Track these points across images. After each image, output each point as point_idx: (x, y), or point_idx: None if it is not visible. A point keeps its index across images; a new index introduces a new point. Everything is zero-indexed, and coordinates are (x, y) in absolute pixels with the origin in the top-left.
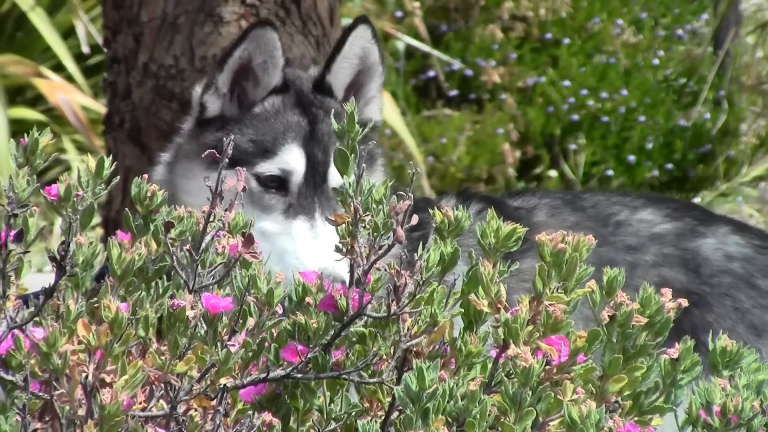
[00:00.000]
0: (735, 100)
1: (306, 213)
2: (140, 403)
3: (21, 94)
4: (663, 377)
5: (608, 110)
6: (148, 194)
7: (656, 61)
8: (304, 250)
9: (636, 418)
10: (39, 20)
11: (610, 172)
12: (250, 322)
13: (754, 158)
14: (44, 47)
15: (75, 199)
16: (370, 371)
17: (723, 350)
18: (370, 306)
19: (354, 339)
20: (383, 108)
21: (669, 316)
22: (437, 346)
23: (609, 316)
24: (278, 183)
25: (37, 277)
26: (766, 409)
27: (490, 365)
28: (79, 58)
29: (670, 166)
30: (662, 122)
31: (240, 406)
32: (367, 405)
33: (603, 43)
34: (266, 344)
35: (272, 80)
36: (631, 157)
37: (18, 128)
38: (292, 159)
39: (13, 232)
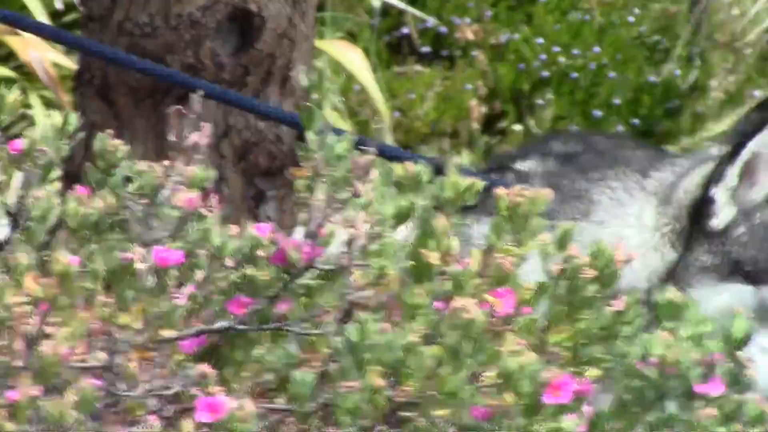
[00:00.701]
0: (707, 57)
1: None
2: (79, 355)
3: None
4: (604, 329)
5: (579, 67)
6: (110, 149)
7: (632, 19)
8: None
9: (573, 369)
10: None
11: (575, 127)
12: (199, 275)
13: (721, 114)
14: (20, 5)
15: (36, 153)
16: (312, 324)
17: (669, 302)
18: (320, 259)
19: (301, 291)
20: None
21: (617, 268)
22: (384, 299)
23: (558, 269)
24: None
25: None
26: (705, 360)
27: (433, 317)
28: (54, 15)
29: (636, 121)
30: (632, 78)
31: (180, 357)
32: (306, 356)
33: (579, 0)
34: (212, 297)
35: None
36: (598, 113)
37: None
38: None
39: None
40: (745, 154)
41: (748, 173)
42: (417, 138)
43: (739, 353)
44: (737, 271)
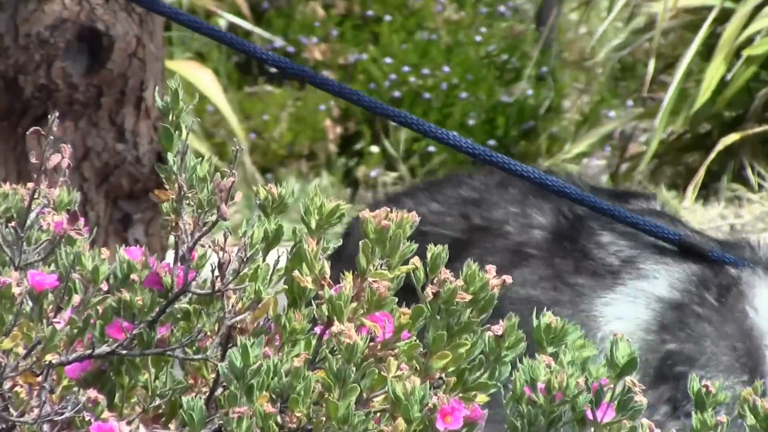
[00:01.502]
0: (558, 77)
1: None
2: None
3: None
4: (487, 354)
5: (430, 87)
6: None
7: (479, 38)
8: None
9: (460, 395)
10: None
11: (432, 149)
12: (76, 299)
13: (577, 135)
14: None
15: None
16: (194, 348)
17: (547, 326)
18: (195, 283)
19: (179, 316)
20: (207, 84)
21: (493, 293)
22: (262, 323)
23: (433, 293)
24: None
25: None
26: (591, 386)
27: (314, 342)
28: None
29: (492, 142)
30: (485, 98)
31: (66, 382)
32: (192, 381)
33: (425, 19)
34: (92, 321)
35: None
36: (454, 135)
37: None
38: None
39: None
40: None
41: None
42: (275, 160)
43: (627, 378)
44: None
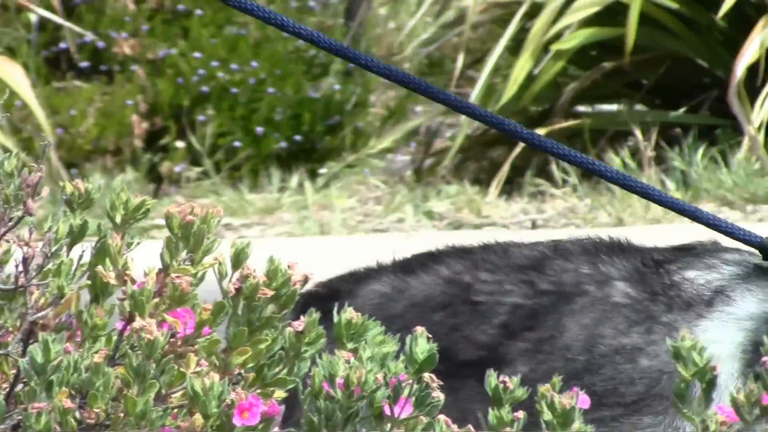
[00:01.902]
0: (366, 72)
1: None
2: None
3: None
4: (287, 350)
5: (238, 82)
6: None
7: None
8: None
9: (259, 391)
10: None
11: (238, 144)
12: None
13: (382, 130)
14: None
15: None
16: None
17: (348, 322)
18: None
19: None
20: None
21: (296, 288)
22: (64, 319)
23: (235, 288)
24: None
25: None
26: (390, 382)
27: (115, 338)
28: None
29: (298, 137)
30: (292, 94)
31: None
32: None
33: (234, 14)
34: None
35: None
36: (260, 129)
37: None
38: None
39: None
40: None
41: None
42: (81, 155)
43: (426, 374)
44: None
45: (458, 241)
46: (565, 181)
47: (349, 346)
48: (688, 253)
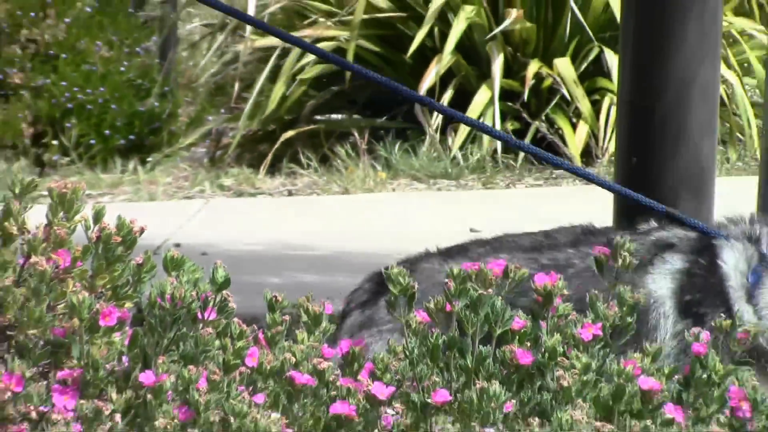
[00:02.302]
0: (175, 94)
1: None
2: None
3: None
4: (132, 276)
5: (91, 101)
6: None
7: (123, 68)
8: None
9: (115, 303)
10: None
11: (93, 141)
12: None
13: (187, 131)
14: None
15: None
16: None
17: (171, 258)
18: None
19: None
20: None
21: (135, 236)
22: None
23: (96, 236)
24: None
25: None
26: (200, 297)
27: (19, 269)
28: None
29: (132, 137)
30: (127, 108)
31: None
32: None
33: (88, 56)
34: None
35: None
36: (107, 132)
37: None
38: None
39: None
40: None
41: None
42: None
43: (224, 291)
44: None
45: (240, 204)
46: (308, 165)
47: (174, 273)
48: (636, 232)
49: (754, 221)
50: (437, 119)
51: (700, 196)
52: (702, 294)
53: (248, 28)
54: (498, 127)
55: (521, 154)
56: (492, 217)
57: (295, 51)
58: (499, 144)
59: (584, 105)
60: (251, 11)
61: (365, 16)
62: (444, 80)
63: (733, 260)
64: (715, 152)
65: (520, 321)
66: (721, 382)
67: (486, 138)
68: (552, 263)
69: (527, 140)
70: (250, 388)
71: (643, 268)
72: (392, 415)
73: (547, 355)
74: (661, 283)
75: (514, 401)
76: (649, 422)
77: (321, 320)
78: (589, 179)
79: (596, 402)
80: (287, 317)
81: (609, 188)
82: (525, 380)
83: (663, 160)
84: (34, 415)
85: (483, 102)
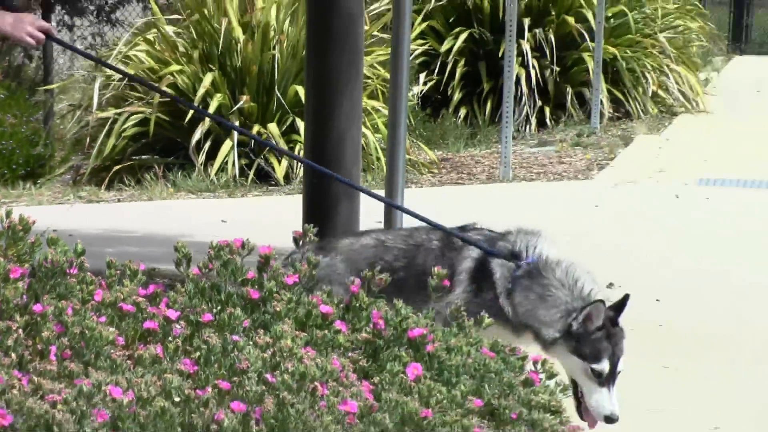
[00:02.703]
0: (53, 145)
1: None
2: None
3: None
4: (28, 249)
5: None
6: None
7: (23, 129)
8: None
9: (18, 264)
10: None
11: (6, 171)
12: None
13: (60, 166)
14: None
15: None
16: None
17: (51, 238)
18: None
19: None
20: None
21: (30, 225)
22: None
23: (6, 225)
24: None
25: None
26: (69, 260)
27: None
28: None
29: (29, 169)
30: (26, 153)
31: None
32: None
33: (2, 123)
34: None
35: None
36: (14, 166)
37: None
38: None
39: None
40: None
41: None
42: None
43: (81, 257)
44: None
45: (90, 207)
46: (129, 185)
47: (52, 247)
48: (463, 228)
49: (515, 235)
50: (202, 157)
51: (355, 204)
52: (478, 274)
53: (95, 105)
54: (236, 162)
55: (250, 177)
56: (235, 215)
57: (122, 118)
58: (237, 171)
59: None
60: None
61: (160, 100)
62: (207, 134)
63: (498, 268)
64: (359, 177)
65: (252, 273)
66: (367, 308)
67: (230, 167)
68: (415, 243)
69: (253, 170)
70: (97, 314)
71: (463, 252)
72: (179, 328)
73: (267, 292)
74: (465, 263)
75: (249, 320)
76: (327, 332)
77: (137, 273)
78: (355, 187)
79: (296, 320)
80: (118, 272)
81: (373, 196)
82: (255, 307)
83: (330, 181)
84: None
85: (227, 148)
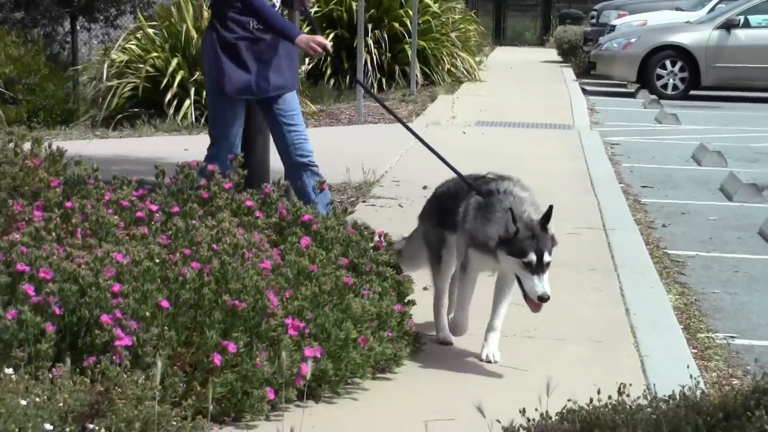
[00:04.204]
0: (78, 102)
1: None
2: None
3: None
4: (61, 167)
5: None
6: None
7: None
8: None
9: (55, 177)
10: None
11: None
12: None
13: (83, 116)
14: None
15: None
16: None
17: (77, 161)
18: None
19: None
20: None
21: (64, 152)
22: None
23: (47, 154)
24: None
25: None
26: (90, 175)
27: None
28: None
29: (64, 118)
30: (61, 109)
31: None
32: None
33: None
34: None
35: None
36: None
37: None
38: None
39: None
40: None
41: None
42: None
43: (96, 173)
44: None
45: (103, 142)
46: (125, 128)
47: (77, 167)
48: (481, 177)
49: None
50: (172, 110)
51: (267, 137)
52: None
53: (104, 78)
54: (193, 113)
55: (202, 122)
56: (193, 146)
57: (122, 86)
58: (194, 118)
59: None
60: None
61: (144, 75)
62: (174, 95)
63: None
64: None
65: (203, 182)
66: (275, 203)
67: (189, 115)
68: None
69: (204, 117)
70: (106, 208)
71: (469, 195)
72: (159, 217)
73: (213, 194)
74: (468, 200)
75: (202, 211)
76: (250, 217)
77: (131, 183)
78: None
79: (231, 210)
80: (119, 181)
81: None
82: (205, 203)
83: (251, 121)
84: None
85: (188, 104)
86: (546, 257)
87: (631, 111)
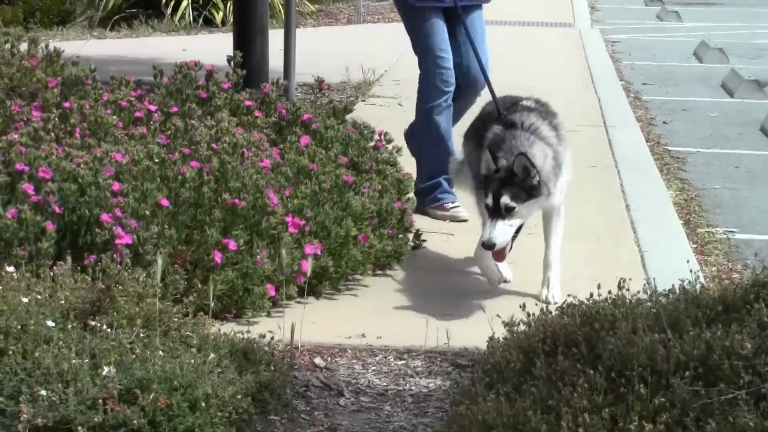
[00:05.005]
0: (76, 3)
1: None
2: None
3: None
4: (60, 65)
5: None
6: None
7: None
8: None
9: (53, 77)
10: None
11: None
12: None
13: (80, 16)
14: None
15: None
16: None
17: (74, 62)
18: None
19: None
20: None
21: (61, 52)
22: None
23: (46, 53)
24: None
25: None
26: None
27: None
28: None
29: (61, 17)
30: (58, 8)
31: None
32: None
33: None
34: None
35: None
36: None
37: None
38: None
39: None
40: None
41: None
42: None
43: (94, 73)
44: None
45: (98, 42)
46: (122, 28)
47: (74, 67)
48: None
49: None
50: (169, 10)
51: (266, 39)
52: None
53: None
54: (190, 13)
55: (200, 23)
56: (190, 46)
57: None
58: (191, 18)
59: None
60: None
61: None
62: None
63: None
64: (268, 23)
65: (202, 81)
66: (274, 102)
67: (187, 16)
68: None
69: (201, 18)
70: (105, 108)
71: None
72: (157, 116)
73: (212, 93)
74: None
75: (200, 111)
76: (249, 117)
77: (129, 83)
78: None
79: (230, 110)
80: (118, 81)
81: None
82: (204, 103)
83: (248, 24)
84: None
85: (186, 3)
86: (505, 201)
87: (633, 8)
